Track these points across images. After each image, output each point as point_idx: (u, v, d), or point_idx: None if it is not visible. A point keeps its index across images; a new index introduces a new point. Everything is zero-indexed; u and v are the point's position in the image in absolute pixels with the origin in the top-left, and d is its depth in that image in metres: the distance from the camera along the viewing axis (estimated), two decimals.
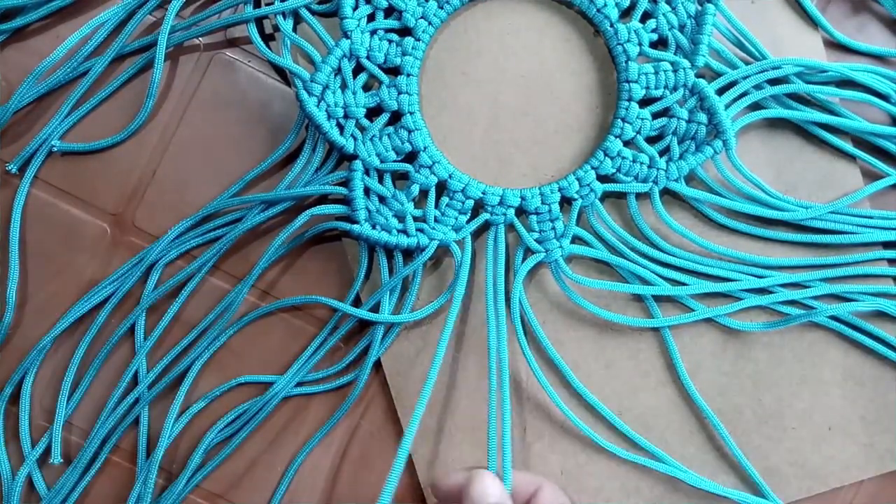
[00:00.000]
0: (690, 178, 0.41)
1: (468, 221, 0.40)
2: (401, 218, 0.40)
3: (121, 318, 0.41)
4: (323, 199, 0.41)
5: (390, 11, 0.41)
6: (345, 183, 0.40)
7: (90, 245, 0.42)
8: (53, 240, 0.42)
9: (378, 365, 0.41)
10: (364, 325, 0.41)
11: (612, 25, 0.40)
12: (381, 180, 0.40)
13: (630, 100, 0.40)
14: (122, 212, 0.42)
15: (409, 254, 0.41)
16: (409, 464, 0.41)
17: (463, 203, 0.40)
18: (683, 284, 0.40)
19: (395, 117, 0.40)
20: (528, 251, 0.40)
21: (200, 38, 0.42)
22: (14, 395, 0.41)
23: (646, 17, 0.41)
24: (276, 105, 0.42)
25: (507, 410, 0.37)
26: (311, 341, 0.41)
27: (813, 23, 0.42)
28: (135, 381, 0.41)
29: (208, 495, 0.41)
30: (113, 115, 0.42)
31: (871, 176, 0.41)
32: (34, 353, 0.41)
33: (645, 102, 0.40)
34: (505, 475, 0.35)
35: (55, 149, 0.41)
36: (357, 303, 0.41)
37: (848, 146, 0.41)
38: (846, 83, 0.41)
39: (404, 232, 0.40)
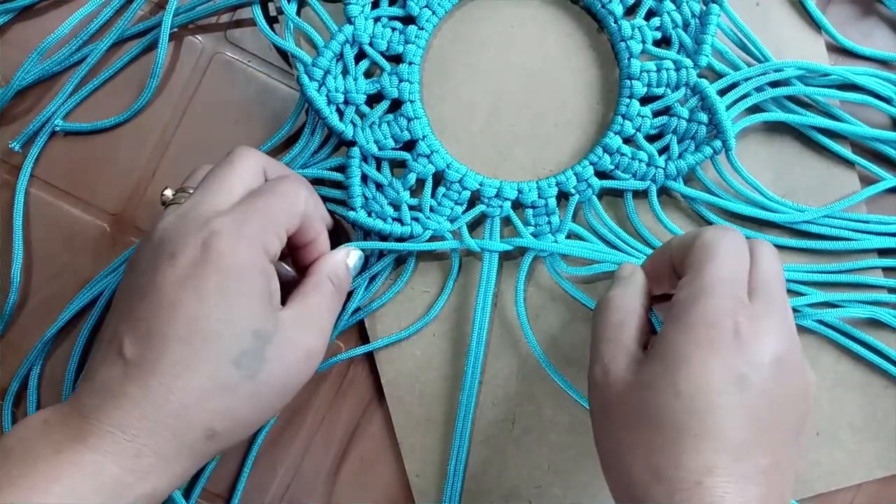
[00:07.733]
0: (688, 180, 0.41)
1: (464, 212, 0.40)
2: (396, 206, 0.40)
3: None
4: (318, 182, 0.41)
5: None
6: (341, 168, 0.40)
7: (90, 245, 0.42)
8: (53, 240, 0.42)
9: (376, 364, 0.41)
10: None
11: (616, 22, 0.40)
12: (378, 168, 0.40)
13: (631, 97, 0.40)
14: (122, 212, 0.42)
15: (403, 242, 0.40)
16: (398, 458, 0.41)
17: (459, 194, 0.40)
18: None
19: (396, 105, 0.40)
20: None
21: (200, 38, 0.42)
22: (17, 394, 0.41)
23: (650, 14, 0.40)
24: (276, 106, 0.42)
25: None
26: None
27: (816, 26, 0.41)
28: None
29: (208, 495, 0.41)
30: (115, 97, 0.42)
31: (869, 182, 0.41)
32: (36, 350, 0.40)
33: (646, 100, 0.40)
34: None
35: (58, 128, 0.41)
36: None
37: (847, 152, 0.41)
38: (848, 86, 0.41)
39: (399, 220, 0.40)
